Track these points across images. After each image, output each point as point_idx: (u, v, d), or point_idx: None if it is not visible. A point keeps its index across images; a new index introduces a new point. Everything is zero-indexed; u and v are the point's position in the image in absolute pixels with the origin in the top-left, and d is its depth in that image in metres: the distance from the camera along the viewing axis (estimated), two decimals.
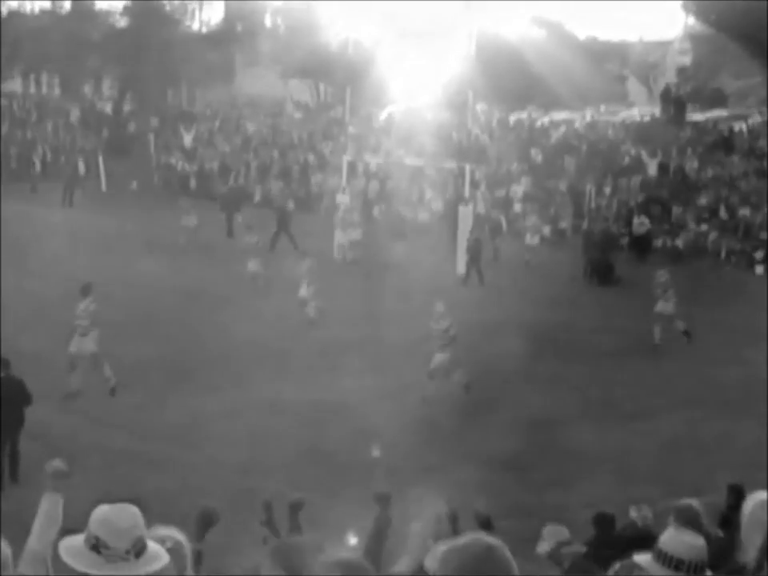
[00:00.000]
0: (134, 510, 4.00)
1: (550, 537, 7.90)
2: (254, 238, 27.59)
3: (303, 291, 23.74)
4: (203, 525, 7.67)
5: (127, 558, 3.89)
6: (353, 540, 8.80)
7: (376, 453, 15.01)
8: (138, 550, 3.93)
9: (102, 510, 3.98)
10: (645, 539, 9.15)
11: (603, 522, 10.03)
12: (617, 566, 5.40)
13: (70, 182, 39.42)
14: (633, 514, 10.02)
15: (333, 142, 44.17)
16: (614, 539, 9.46)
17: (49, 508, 4.85)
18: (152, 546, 4.04)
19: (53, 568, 4.79)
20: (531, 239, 31.43)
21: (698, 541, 4.70)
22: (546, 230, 34.81)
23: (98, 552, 3.88)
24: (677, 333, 22.39)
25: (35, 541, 4.86)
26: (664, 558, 4.64)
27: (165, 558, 4.08)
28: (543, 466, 15.83)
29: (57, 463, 5.07)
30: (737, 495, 7.98)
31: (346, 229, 30.90)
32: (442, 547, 5.54)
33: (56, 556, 4.41)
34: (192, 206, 32.74)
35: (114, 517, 3.94)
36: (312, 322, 23.14)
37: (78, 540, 3.99)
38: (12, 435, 14.50)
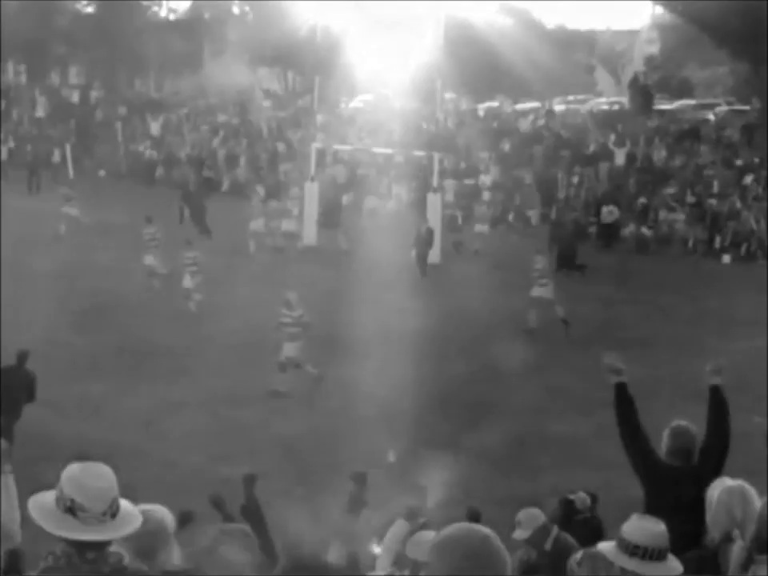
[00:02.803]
0: (106, 469, 3.90)
1: (528, 522, 7.96)
2: (152, 229, 25.51)
3: (187, 282, 23.14)
4: (179, 524, 7.61)
5: (104, 521, 3.80)
6: (377, 549, 8.78)
7: (391, 458, 14.79)
8: (114, 510, 3.84)
9: (76, 470, 3.87)
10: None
11: (567, 506, 10.20)
12: (579, 553, 5.46)
13: (34, 169, 39.28)
14: (571, 497, 10.25)
15: (302, 130, 44.07)
16: (575, 524, 9.60)
17: (5, 494, 4.71)
18: (125, 504, 3.95)
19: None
20: (479, 228, 31.28)
21: (659, 527, 4.74)
22: (511, 217, 35.01)
23: (74, 515, 3.78)
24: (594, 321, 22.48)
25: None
26: (626, 546, 4.70)
27: (139, 518, 4.00)
28: (513, 455, 15.87)
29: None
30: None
31: (270, 219, 30.49)
32: (427, 535, 5.56)
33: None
34: (73, 194, 31.72)
35: (89, 478, 3.84)
36: (193, 313, 22.75)
37: (48, 499, 3.87)
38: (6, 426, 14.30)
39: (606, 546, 4.84)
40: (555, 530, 8.01)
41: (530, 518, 7.97)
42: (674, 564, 4.75)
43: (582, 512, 10.20)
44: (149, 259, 25.00)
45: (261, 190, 34.55)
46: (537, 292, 22.53)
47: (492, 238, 31.03)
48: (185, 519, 7.78)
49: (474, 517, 8.81)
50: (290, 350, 18.30)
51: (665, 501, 6.62)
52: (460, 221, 32.70)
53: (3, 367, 14.87)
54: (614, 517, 9.59)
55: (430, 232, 28.33)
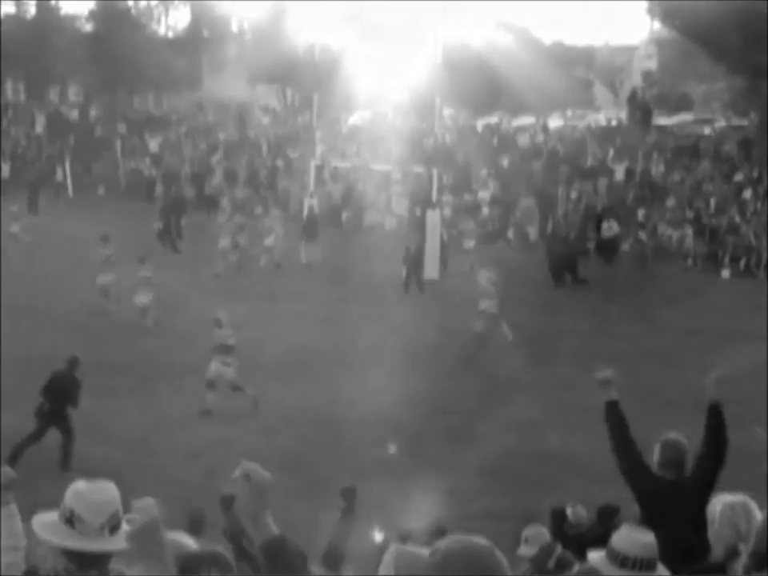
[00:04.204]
0: (110, 485, 3.92)
1: (534, 540, 7.90)
2: (108, 250, 25.12)
3: (142, 299, 23.00)
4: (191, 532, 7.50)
5: (101, 534, 3.81)
6: (379, 536, 8.71)
7: (392, 449, 14.80)
8: (113, 525, 3.85)
9: (79, 484, 3.90)
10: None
11: (559, 517, 10.20)
12: (575, 569, 5.45)
13: (34, 189, 39.18)
14: (568, 511, 10.26)
15: (301, 146, 44.12)
16: (568, 536, 9.58)
17: (8, 524, 4.67)
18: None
19: None
20: (467, 244, 31.16)
21: (648, 537, 4.74)
22: (510, 233, 35.03)
23: (72, 526, 3.81)
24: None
25: (4, 556, 4.68)
26: (615, 557, 4.70)
27: None
28: (515, 470, 15.83)
29: (6, 471, 4.90)
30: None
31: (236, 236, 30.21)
32: (414, 551, 5.48)
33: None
34: (20, 214, 31.78)
35: (90, 491, 3.87)
36: (149, 329, 22.68)
37: (52, 515, 3.91)
38: (60, 426, 15.35)
39: (595, 557, 4.83)
40: (559, 548, 7.97)
41: (537, 536, 7.92)
42: (663, 575, 4.74)
43: (576, 527, 10.16)
44: (104, 279, 24.55)
45: (227, 207, 34.52)
46: (484, 305, 22.58)
47: (487, 254, 30.99)
48: (196, 523, 7.64)
49: (442, 533, 8.69)
50: (218, 369, 17.92)
51: (660, 514, 6.61)
52: (445, 237, 32.55)
53: (54, 372, 15.57)
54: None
55: (420, 250, 28.37)
